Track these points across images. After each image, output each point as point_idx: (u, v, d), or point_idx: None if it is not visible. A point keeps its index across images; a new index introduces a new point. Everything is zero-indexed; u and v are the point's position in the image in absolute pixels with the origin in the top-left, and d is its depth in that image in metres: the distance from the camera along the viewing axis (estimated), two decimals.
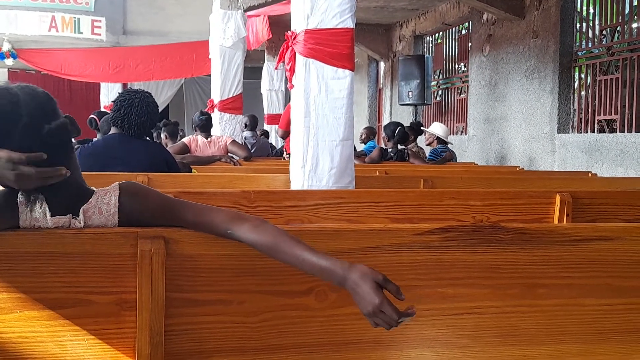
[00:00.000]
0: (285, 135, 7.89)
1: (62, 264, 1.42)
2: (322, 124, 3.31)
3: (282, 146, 8.32)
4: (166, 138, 6.25)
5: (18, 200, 1.45)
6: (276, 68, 9.82)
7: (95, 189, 1.52)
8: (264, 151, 8.39)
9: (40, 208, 1.45)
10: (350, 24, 3.30)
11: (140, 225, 1.49)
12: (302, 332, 1.55)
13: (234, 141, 5.94)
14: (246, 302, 1.52)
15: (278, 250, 1.42)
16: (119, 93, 3.82)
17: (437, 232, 1.60)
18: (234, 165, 5.12)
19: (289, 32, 3.45)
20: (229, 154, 5.58)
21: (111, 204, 1.49)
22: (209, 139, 5.78)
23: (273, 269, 1.52)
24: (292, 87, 3.47)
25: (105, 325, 1.45)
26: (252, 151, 8.13)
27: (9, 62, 12.47)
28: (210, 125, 6.07)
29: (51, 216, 1.45)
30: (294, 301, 1.54)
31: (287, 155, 7.69)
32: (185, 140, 5.80)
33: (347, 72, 3.33)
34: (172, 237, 1.47)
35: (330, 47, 3.31)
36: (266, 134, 9.92)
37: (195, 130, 5.97)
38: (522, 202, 2.93)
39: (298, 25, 3.34)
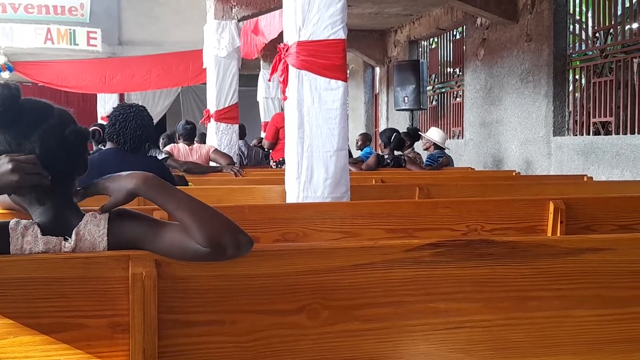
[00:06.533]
0: (272, 146, 8.00)
1: (54, 289, 1.43)
2: (316, 135, 3.32)
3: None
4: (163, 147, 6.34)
5: (9, 227, 1.47)
6: (269, 80, 9.84)
7: (84, 213, 1.54)
8: (256, 160, 8.43)
9: (32, 232, 1.47)
10: (342, 35, 3.31)
11: (130, 247, 1.50)
12: (295, 350, 1.56)
13: (216, 149, 6.01)
14: (238, 322, 1.53)
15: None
16: (113, 108, 3.83)
17: (427, 248, 1.61)
18: (236, 175, 5.14)
19: (281, 44, 3.46)
20: (229, 165, 5.61)
21: (101, 226, 1.51)
22: (190, 147, 5.86)
23: (264, 288, 1.53)
24: (285, 98, 3.49)
25: (98, 349, 1.46)
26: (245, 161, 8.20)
27: (5, 75, 12.48)
28: (194, 135, 6.18)
29: (42, 235, 1.47)
30: (286, 320, 1.55)
31: (274, 164, 7.76)
32: (167, 148, 5.87)
33: (340, 82, 3.34)
34: (164, 260, 1.48)
35: (323, 58, 3.32)
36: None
37: (179, 139, 6.06)
38: (515, 210, 2.94)
39: (290, 37, 3.36)
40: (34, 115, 1.53)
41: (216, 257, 1.46)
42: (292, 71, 3.35)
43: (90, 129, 6.19)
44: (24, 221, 1.49)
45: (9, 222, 1.48)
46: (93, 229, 1.50)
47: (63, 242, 1.49)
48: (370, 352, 1.60)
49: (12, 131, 1.50)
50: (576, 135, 7.31)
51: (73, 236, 1.49)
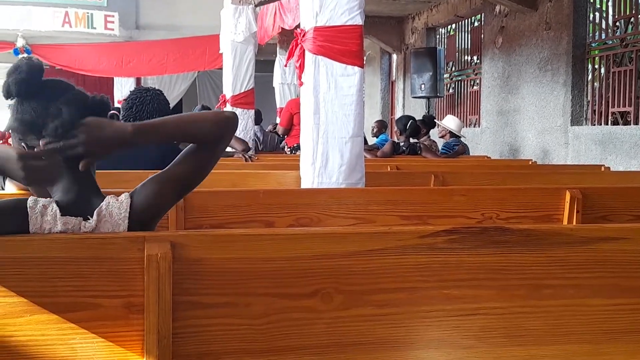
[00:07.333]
0: (286, 132, 8.00)
1: (71, 269, 1.45)
2: (331, 121, 3.32)
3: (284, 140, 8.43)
4: None
5: (27, 205, 1.47)
6: (285, 65, 9.81)
7: (105, 195, 1.55)
8: (272, 146, 8.45)
9: (52, 211, 1.48)
10: (359, 20, 3.30)
11: (156, 218, 1.57)
12: (308, 334, 1.57)
13: None
14: (252, 304, 1.53)
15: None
16: (130, 91, 3.84)
17: (442, 234, 1.60)
18: (246, 161, 5.15)
19: (298, 29, 3.46)
20: (243, 150, 5.61)
21: (122, 209, 1.52)
22: None
23: (278, 271, 1.54)
24: (301, 84, 3.48)
25: (113, 328, 1.48)
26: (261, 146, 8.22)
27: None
28: None
29: (61, 215, 1.48)
30: (299, 303, 1.55)
31: (289, 150, 7.77)
32: None
33: (357, 69, 3.32)
34: (179, 241, 1.49)
35: (340, 44, 3.31)
36: None
37: None
38: (531, 199, 2.93)
39: (307, 22, 3.35)
40: (56, 87, 1.56)
41: (227, 135, 1.62)
42: (309, 57, 3.34)
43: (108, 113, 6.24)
44: (42, 199, 1.50)
45: (27, 200, 1.49)
46: (115, 212, 1.52)
47: (83, 222, 1.50)
48: (383, 337, 1.60)
49: (36, 100, 1.50)
50: (594, 125, 7.24)
51: (94, 216, 1.50)
